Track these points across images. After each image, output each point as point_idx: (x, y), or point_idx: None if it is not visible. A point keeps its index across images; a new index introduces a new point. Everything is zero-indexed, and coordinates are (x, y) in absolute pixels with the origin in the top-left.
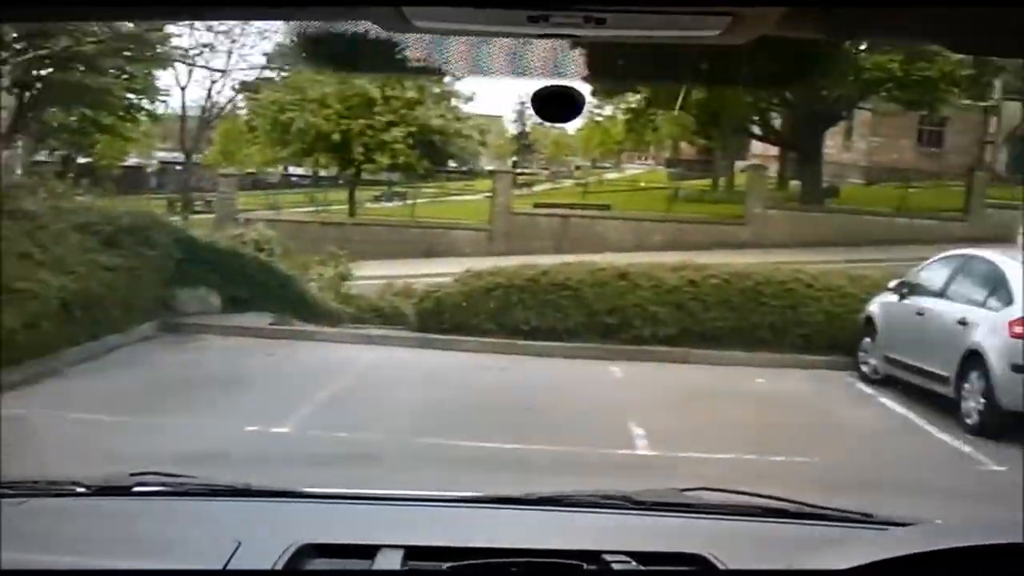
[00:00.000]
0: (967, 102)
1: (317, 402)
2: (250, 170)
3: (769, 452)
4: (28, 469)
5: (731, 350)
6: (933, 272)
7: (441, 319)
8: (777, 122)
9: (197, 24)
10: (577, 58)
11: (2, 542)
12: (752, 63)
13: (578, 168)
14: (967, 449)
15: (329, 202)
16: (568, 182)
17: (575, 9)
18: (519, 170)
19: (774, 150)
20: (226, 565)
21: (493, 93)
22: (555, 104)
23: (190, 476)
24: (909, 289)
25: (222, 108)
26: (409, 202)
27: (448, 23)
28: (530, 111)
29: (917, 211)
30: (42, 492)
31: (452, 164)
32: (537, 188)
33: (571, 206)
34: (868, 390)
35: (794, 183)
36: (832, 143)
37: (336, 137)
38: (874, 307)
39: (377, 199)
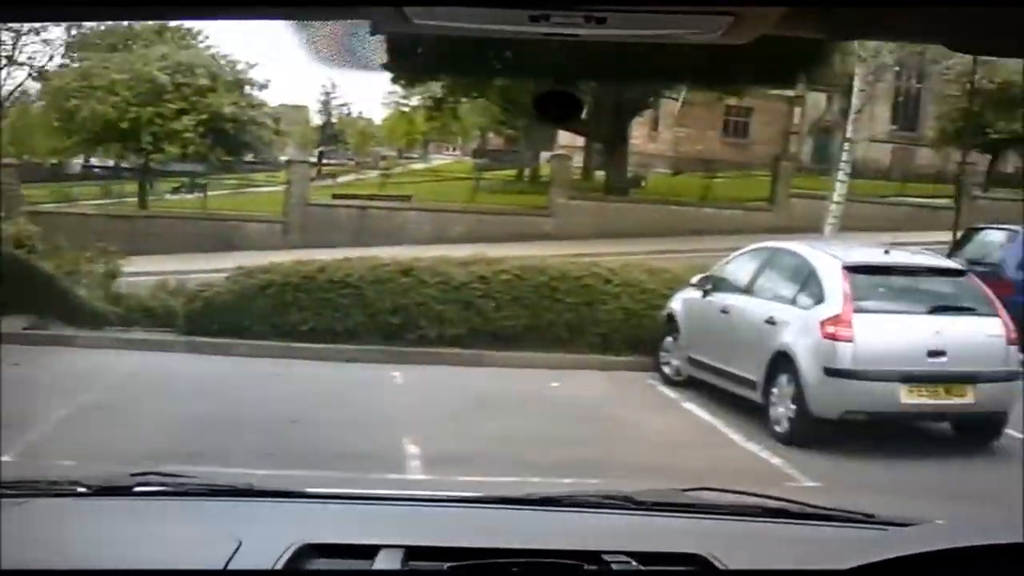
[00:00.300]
0: (773, 92)
1: (53, 422)
2: (39, 160)
3: (557, 472)
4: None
5: (525, 351)
6: (738, 266)
7: (211, 321)
8: (583, 111)
9: None
10: (577, 58)
11: (2, 542)
12: (752, 63)
13: (384, 159)
14: (776, 461)
15: (126, 194)
16: (374, 173)
17: (576, 9)
18: (324, 161)
19: (581, 140)
20: (226, 565)
21: (299, 82)
22: (555, 104)
23: (190, 476)
24: (713, 284)
25: (10, 95)
26: (203, 194)
27: (449, 22)
28: (337, 100)
29: (723, 201)
30: (42, 492)
31: (259, 156)
32: (342, 179)
33: (371, 197)
34: (671, 393)
35: (601, 173)
36: (639, 133)
37: (124, 125)
38: (676, 304)
39: (176, 190)
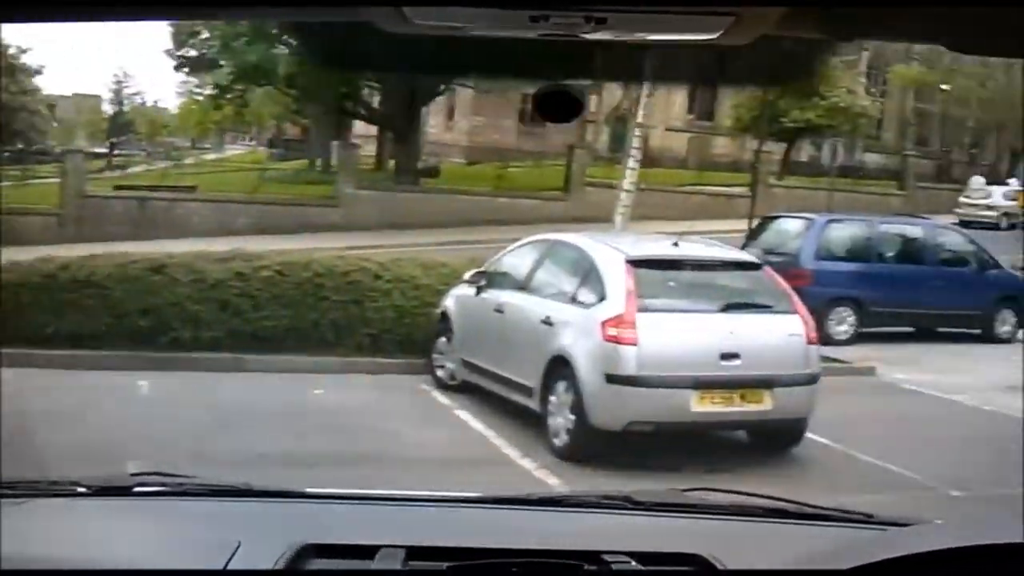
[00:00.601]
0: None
1: None
2: None
3: None
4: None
5: (288, 354)
6: (515, 260)
7: None
8: (376, 100)
9: None
10: (577, 57)
11: (2, 542)
12: (752, 63)
13: (176, 149)
14: (553, 481)
15: None
16: (165, 163)
17: (576, 9)
18: (116, 151)
19: (376, 129)
20: (226, 565)
21: (92, 71)
22: (555, 104)
23: (190, 476)
24: (487, 280)
25: None
26: None
27: (449, 23)
28: (130, 89)
29: (518, 190)
30: (42, 492)
31: (35, 145)
32: (133, 170)
33: (153, 188)
34: (444, 400)
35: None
36: (435, 123)
37: None
38: (449, 301)
39: None
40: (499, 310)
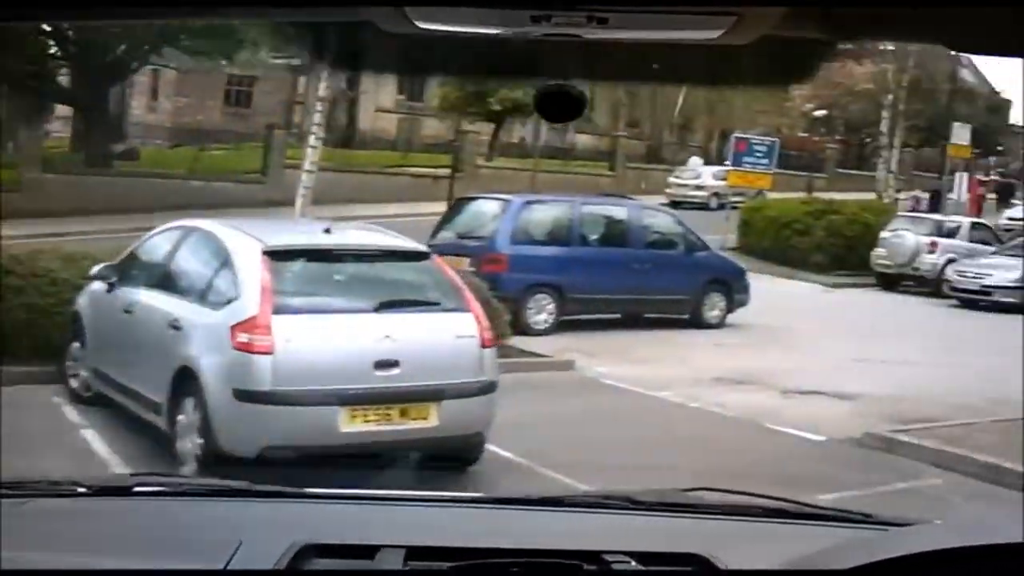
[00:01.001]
0: (277, 61)
1: None
2: None
3: None
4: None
5: None
6: (148, 251)
7: None
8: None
9: None
10: (578, 57)
11: (2, 542)
12: (752, 63)
13: None
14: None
15: None
16: None
17: (577, 9)
18: None
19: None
20: (227, 565)
21: None
22: (556, 103)
23: (190, 476)
24: (119, 275)
25: None
26: None
27: (450, 23)
28: None
29: (216, 173)
30: (42, 492)
31: None
32: None
33: None
34: (74, 416)
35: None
36: (139, 103)
37: None
38: (83, 299)
39: None
40: (128, 311)
